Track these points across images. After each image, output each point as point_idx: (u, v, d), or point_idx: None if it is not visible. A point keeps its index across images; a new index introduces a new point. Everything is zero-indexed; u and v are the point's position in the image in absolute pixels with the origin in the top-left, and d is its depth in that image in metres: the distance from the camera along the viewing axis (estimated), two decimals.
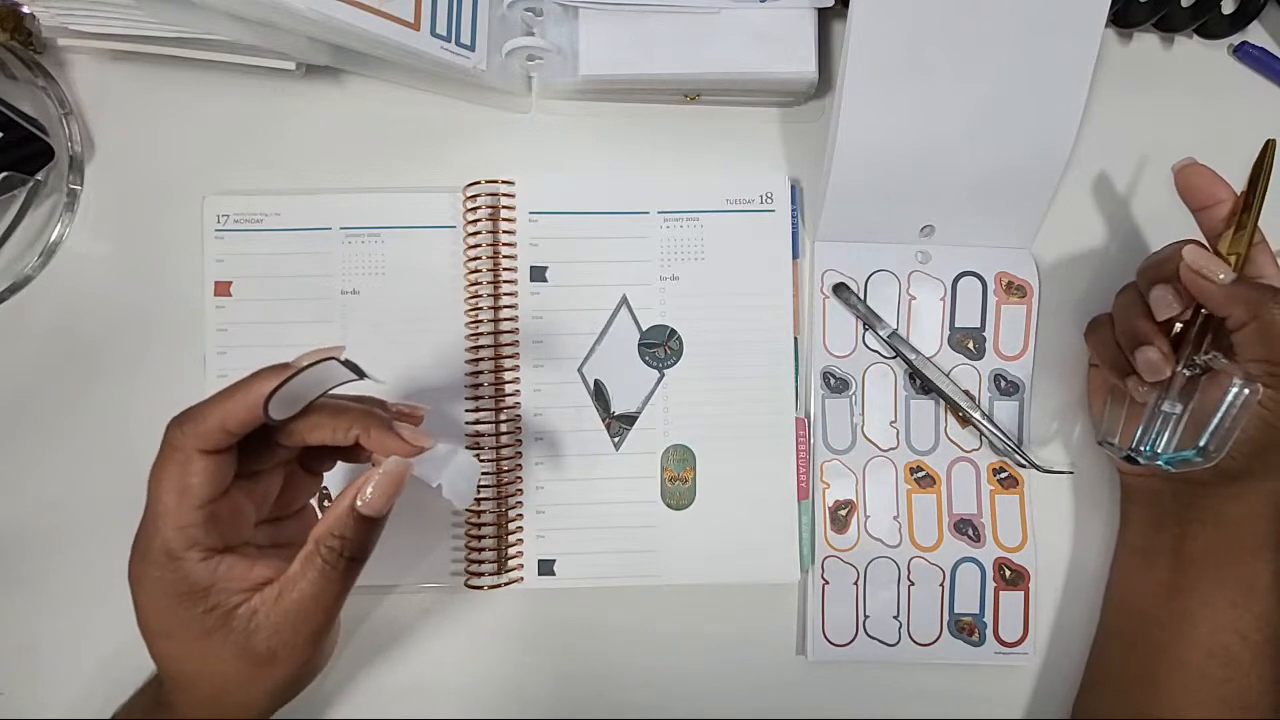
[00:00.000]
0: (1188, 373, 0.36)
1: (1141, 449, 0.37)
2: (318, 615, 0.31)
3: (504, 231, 0.43)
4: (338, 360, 0.30)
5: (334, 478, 0.42)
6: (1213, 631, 0.37)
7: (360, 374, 0.30)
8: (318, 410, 0.31)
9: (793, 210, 0.43)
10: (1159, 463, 0.36)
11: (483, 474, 0.42)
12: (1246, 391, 0.33)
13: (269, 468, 0.33)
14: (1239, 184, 0.37)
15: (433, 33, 0.39)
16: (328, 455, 0.35)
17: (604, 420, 0.43)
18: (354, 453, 0.34)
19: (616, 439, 0.43)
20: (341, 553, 0.31)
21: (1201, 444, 0.34)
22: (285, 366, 0.30)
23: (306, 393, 0.30)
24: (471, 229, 0.42)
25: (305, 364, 0.30)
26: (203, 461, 0.30)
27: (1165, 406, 0.36)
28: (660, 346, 0.43)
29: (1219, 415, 0.33)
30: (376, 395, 0.34)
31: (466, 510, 0.42)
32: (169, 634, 0.31)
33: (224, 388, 0.30)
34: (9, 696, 0.42)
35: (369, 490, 0.31)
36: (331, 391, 0.31)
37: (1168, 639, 0.38)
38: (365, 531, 0.31)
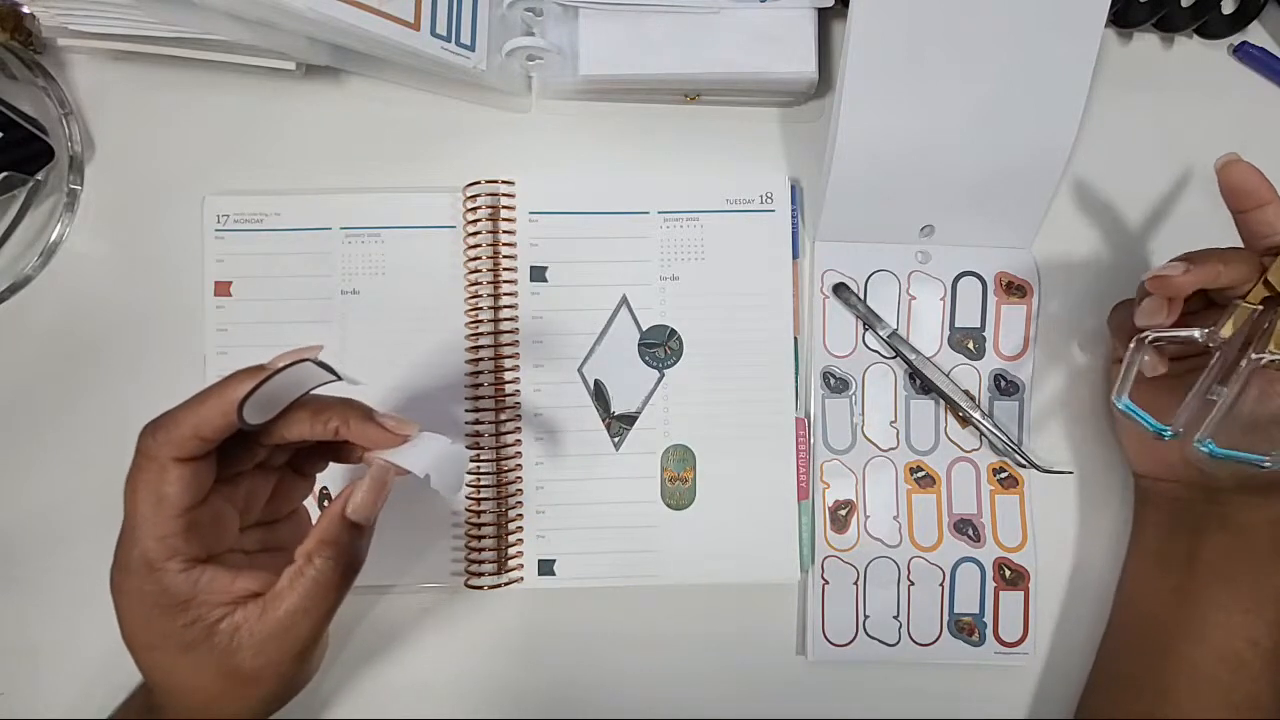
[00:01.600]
0: (1244, 362, 0.33)
1: (1200, 444, 0.33)
2: (305, 631, 0.30)
3: (504, 231, 0.43)
4: (314, 362, 0.29)
5: (334, 477, 0.42)
6: (1225, 637, 0.37)
7: (336, 375, 0.30)
8: (295, 407, 0.30)
9: (793, 210, 0.43)
10: (1205, 449, 0.33)
11: (483, 474, 0.42)
12: None
13: (250, 469, 0.32)
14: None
15: (433, 33, 0.39)
16: (319, 456, 0.34)
17: (604, 420, 0.43)
18: (344, 453, 0.33)
19: (616, 439, 0.43)
20: (336, 561, 0.30)
21: (1275, 458, 0.32)
22: (260, 369, 0.29)
23: (283, 396, 0.29)
24: (471, 229, 0.42)
25: (280, 366, 0.29)
26: (178, 470, 0.29)
27: (1212, 395, 0.34)
28: (660, 346, 0.43)
29: None
30: (358, 398, 0.33)
31: (466, 510, 0.42)
32: (151, 646, 0.30)
33: (197, 392, 0.29)
34: (9, 696, 0.42)
35: (357, 496, 0.30)
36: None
37: (1178, 643, 0.38)
38: (357, 538, 0.31)
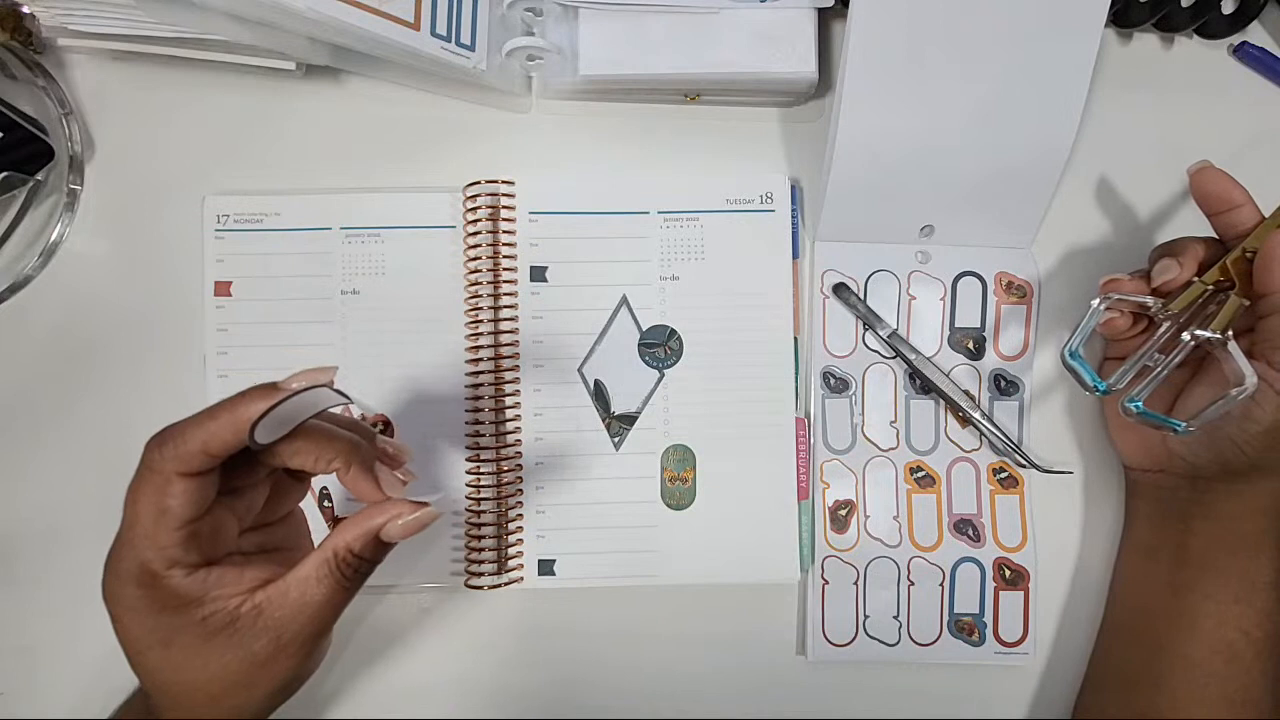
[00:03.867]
0: (1189, 339, 0.35)
1: (1130, 402, 0.35)
2: (327, 616, 0.31)
3: (504, 231, 0.43)
4: (329, 387, 0.29)
5: (331, 478, 0.42)
6: (1216, 627, 0.37)
7: (349, 400, 0.30)
8: (304, 436, 0.30)
9: (793, 210, 0.43)
10: (1132, 405, 0.35)
11: (483, 474, 0.42)
12: (1250, 392, 0.33)
13: (251, 483, 0.32)
14: (1241, 184, 0.37)
15: (433, 33, 0.39)
16: None
17: (604, 420, 0.43)
18: None
19: (616, 439, 0.42)
20: (358, 570, 0.31)
21: (1188, 425, 0.34)
22: (273, 388, 0.29)
23: (294, 416, 0.29)
24: (471, 229, 0.42)
25: (295, 388, 0.29)
26: (183, 484, 0.29)
27: (1148, 360, 0.36)
28: (660, 346, 0.43)
29: (1216, 406, 0.33)
30: (383, 413, 0.33)
31: (466, 510, 0.42)
32: (167, 642, 0.30)
33: (207, 407, 0.29)
34: (9, 696, 0.42)
35: (399, 524, 0.31)
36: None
37: (1171, 635, 0.38)
38: (383, 554, 0.32)
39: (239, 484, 0.32)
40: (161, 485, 0.29)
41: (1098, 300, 0.37)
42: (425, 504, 0.31)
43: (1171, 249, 0.37)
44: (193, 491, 0.29)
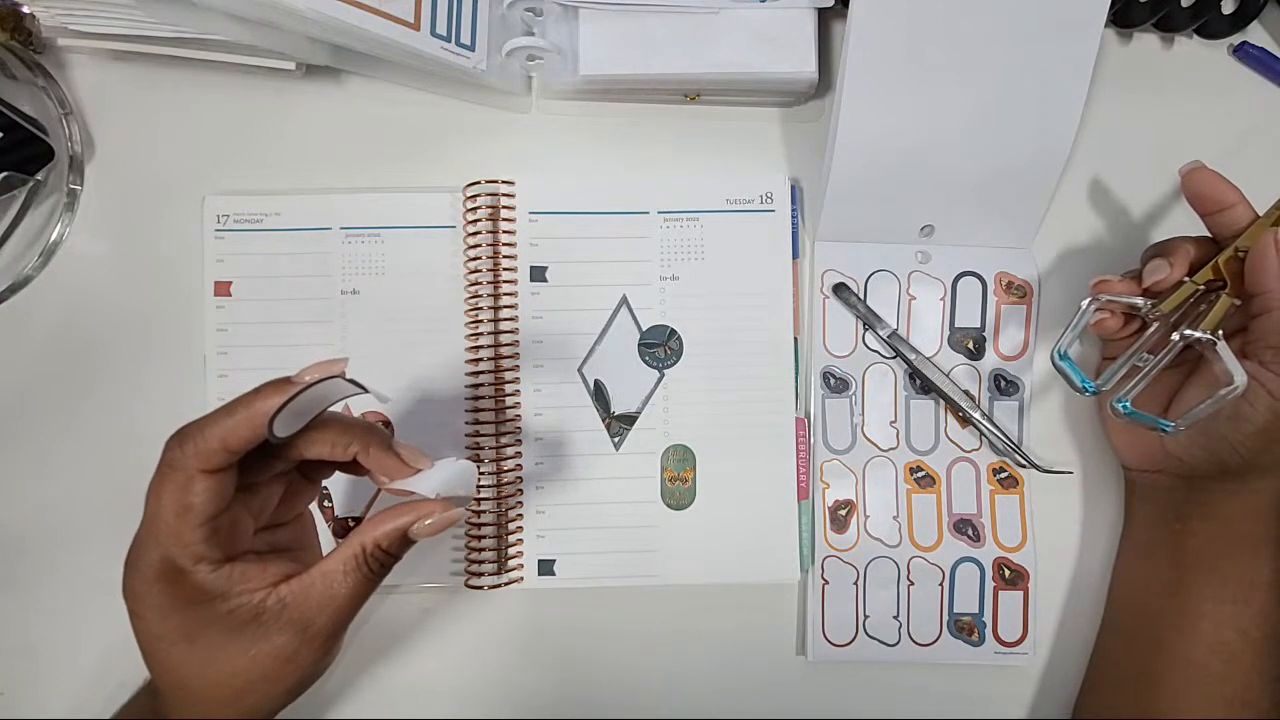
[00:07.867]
0: (1178, 339, 0.35)
1: (1118, 403, 0.35)
2: (350, 609, 0.32)
3: (504, 231, 0.43)
4: (342, 378, 0.30)
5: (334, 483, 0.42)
6: (1214, 628, 0.37)
7: (364, 390, 0.30)
8: (319, 426, 0.31)
9: (793, 210, 0.43)
10: (1120, 406, 0.34)
11: (483, 474, 0.42)
12: (1239, 392, 0.33)
13: (267, 479, 0.33)
14: (1241, 184, 0.37)
15: (433, 33, 0.39)
16: (327, 465, 0.34)
17: (604, 420, 0.43)
18: (353, 465, 0.33)
19: (616, 439, 0.43)
20: (384, 565, 0.32)
21: (1177, 425, 0.34)
22: (287, 382, 0.29)
23: (310, 409, 0.30)
24: (471, 229, 0.42)
25: (310, 381, 0.29)
26: (205, 481, 0.29)
27: (1137, 360, 0.36)
28: (660, 346, 0.43)
29: (1205, 405, 0.33)
30: (382, 412, 0.35)
31: (467, 510, 0.42)
32: (192, 637, 0.30)
33: (224, 404, 0.30)
34: (9, 696, 0.42)
35: (427, 523, 0.31)
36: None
37: (1169, 635, 0.38)
38: (407, 550, 0.32)
39: (255, 480, 0.32)
40: (184, 482, 0.29)
41: (1087, 301, 0.37)
42: (450, 504, 0.32)
43: (1162, 249, 0.37)
44: (214, 488, 0.29)
